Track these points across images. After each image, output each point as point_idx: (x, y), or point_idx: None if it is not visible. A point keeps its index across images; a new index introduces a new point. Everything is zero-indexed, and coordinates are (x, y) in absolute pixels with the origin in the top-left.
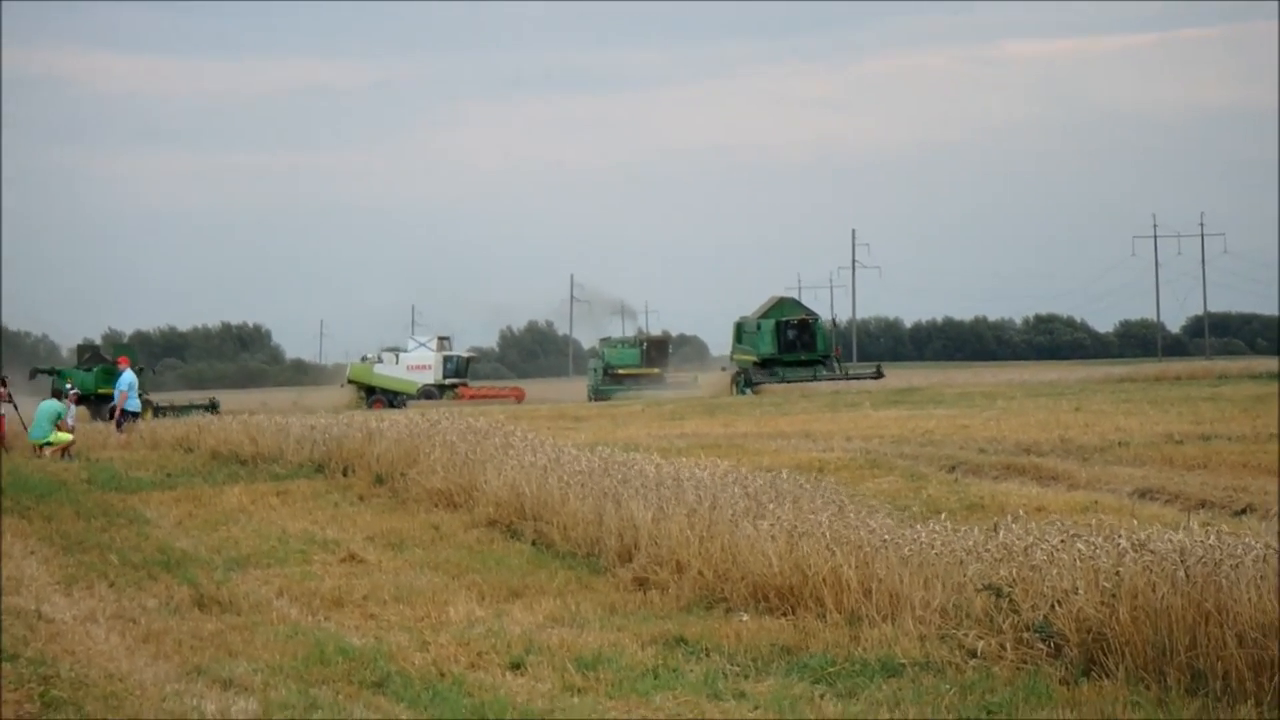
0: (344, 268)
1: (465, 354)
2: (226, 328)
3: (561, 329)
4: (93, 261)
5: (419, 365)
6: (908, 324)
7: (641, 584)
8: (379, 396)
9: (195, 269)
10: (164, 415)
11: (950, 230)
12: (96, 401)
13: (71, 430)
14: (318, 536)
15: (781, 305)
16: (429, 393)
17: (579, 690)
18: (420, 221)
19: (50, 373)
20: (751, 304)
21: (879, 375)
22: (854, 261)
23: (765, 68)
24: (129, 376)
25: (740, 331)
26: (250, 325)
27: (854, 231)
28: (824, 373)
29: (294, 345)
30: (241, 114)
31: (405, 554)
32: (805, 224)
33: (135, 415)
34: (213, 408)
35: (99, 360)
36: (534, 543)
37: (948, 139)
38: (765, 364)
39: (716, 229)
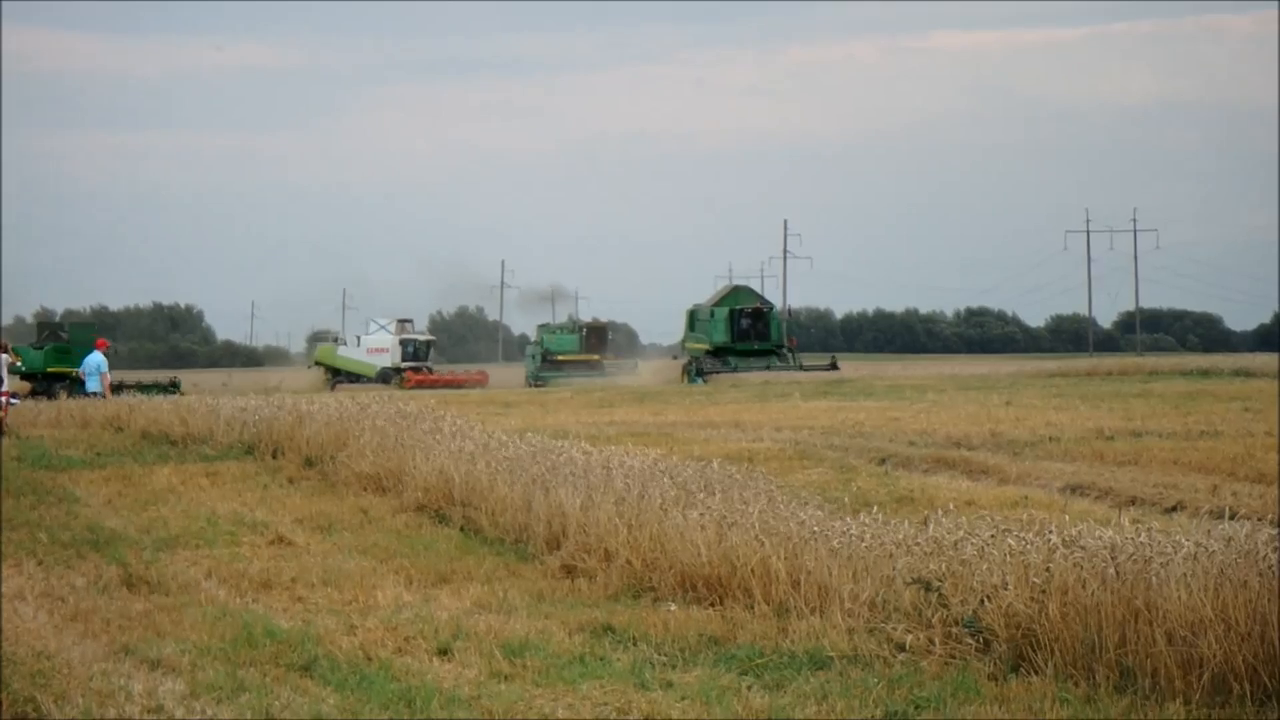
0: (274, 249)
1: (424, 337)
2: (158, 308)
3: (491, 314)
4: (21, 240)
5: (378, 348)
6: (838, 315)
7: (569, 572)
8: (342, 378)
9: (122, 249)
10: (125, 393)
11: (881, 222)
12: (45, 379)
13: (4, 408)
14: (247, 518)
15: (736, 294)
16: (385, 375)
17: (506, 677)
18: (350, 205)
19: None
20: (681, 293)
21: (834, 367)
22: (785, 251)
23: (693, 54)
24: (96, 358)
25: (693, 319)
26: (182, 306)
27: (786, 222)
28: (777, 363)
29: (224, 327)
30: (171, 94)
31: (334, 537)
32: (736, 213)
33: (95, 395)
34: (174, 388)
35: (56, 339)
36: (462, 529)
37: (878, 129)
38: (718, 353)
39: (646, 217)
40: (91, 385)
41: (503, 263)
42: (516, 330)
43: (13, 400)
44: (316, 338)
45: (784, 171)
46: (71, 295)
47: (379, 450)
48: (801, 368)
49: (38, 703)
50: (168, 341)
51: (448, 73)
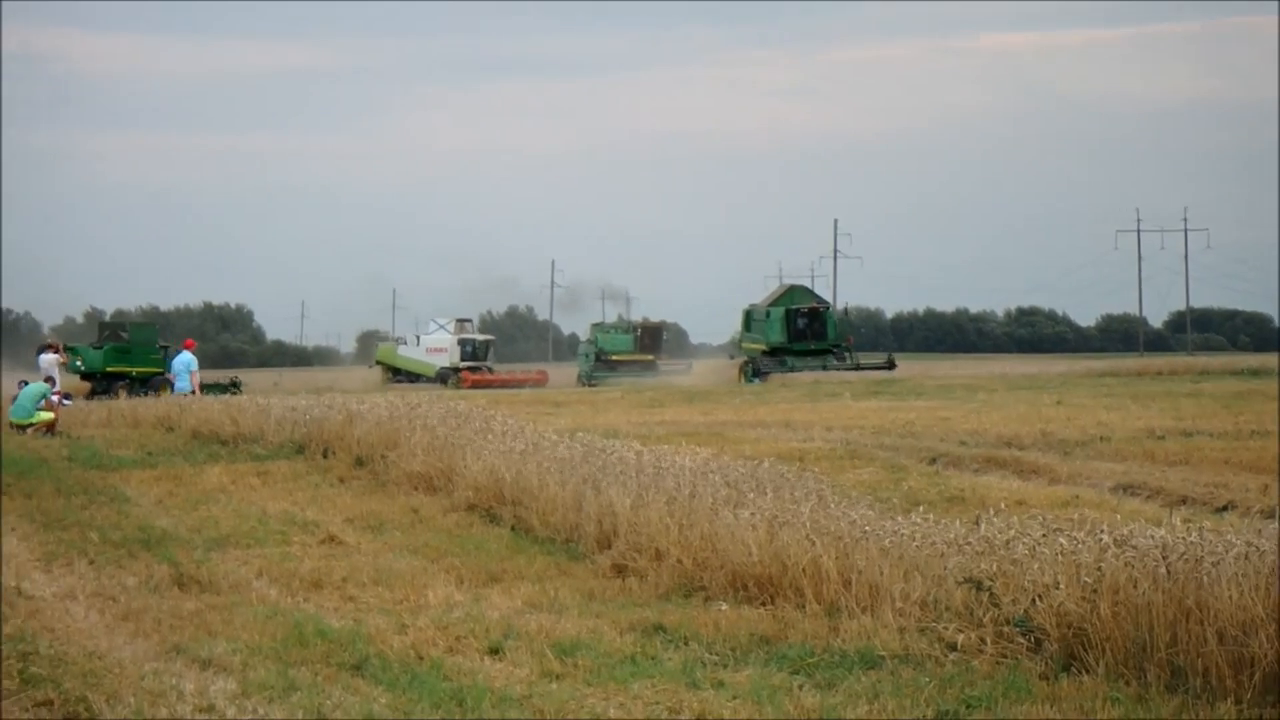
0: (320, 250)
1: (482, 337)
2: (208, 307)
3: (541, 314)
4: (70, 241)
5: (437, 348)
6: (889, 315)
7: (620, 571)
8: (402, 378)
9: (170, 249)
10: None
11: (931, 221)
12: (105, 379)
13: (55, 408)
14: (297, 517)
15: (792, 293)
16: (444, 375)
17: (557, 676)
18: (395, 205)
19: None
20: (729, 292)
21: (891, 366)
22: (835, 251)
23: (729, 54)
24: (186, 358)
25: (749, 319)
26: (232, 306)
27: (836, 221)
28: (834, 363)
29: (273, 327)
30: (208, 95)
31: (384, 537)
32: (784, 212)
33: (188, 393)
34: (235, 387)
35: (117, 339)
36: (513, 528)
37: (923, 129)
38: (774, 353)
39: (692, 216)
40: (182, 385)
41: (552, 262)
42: (566, 330)
43: (65, 401)
44: (367, 338)
45: (832, 171)
46: (122, 296)
47: (429, 450)
48: (858, 367)
49: (89, 702)
50: (218, 341)
51: (488, 73)
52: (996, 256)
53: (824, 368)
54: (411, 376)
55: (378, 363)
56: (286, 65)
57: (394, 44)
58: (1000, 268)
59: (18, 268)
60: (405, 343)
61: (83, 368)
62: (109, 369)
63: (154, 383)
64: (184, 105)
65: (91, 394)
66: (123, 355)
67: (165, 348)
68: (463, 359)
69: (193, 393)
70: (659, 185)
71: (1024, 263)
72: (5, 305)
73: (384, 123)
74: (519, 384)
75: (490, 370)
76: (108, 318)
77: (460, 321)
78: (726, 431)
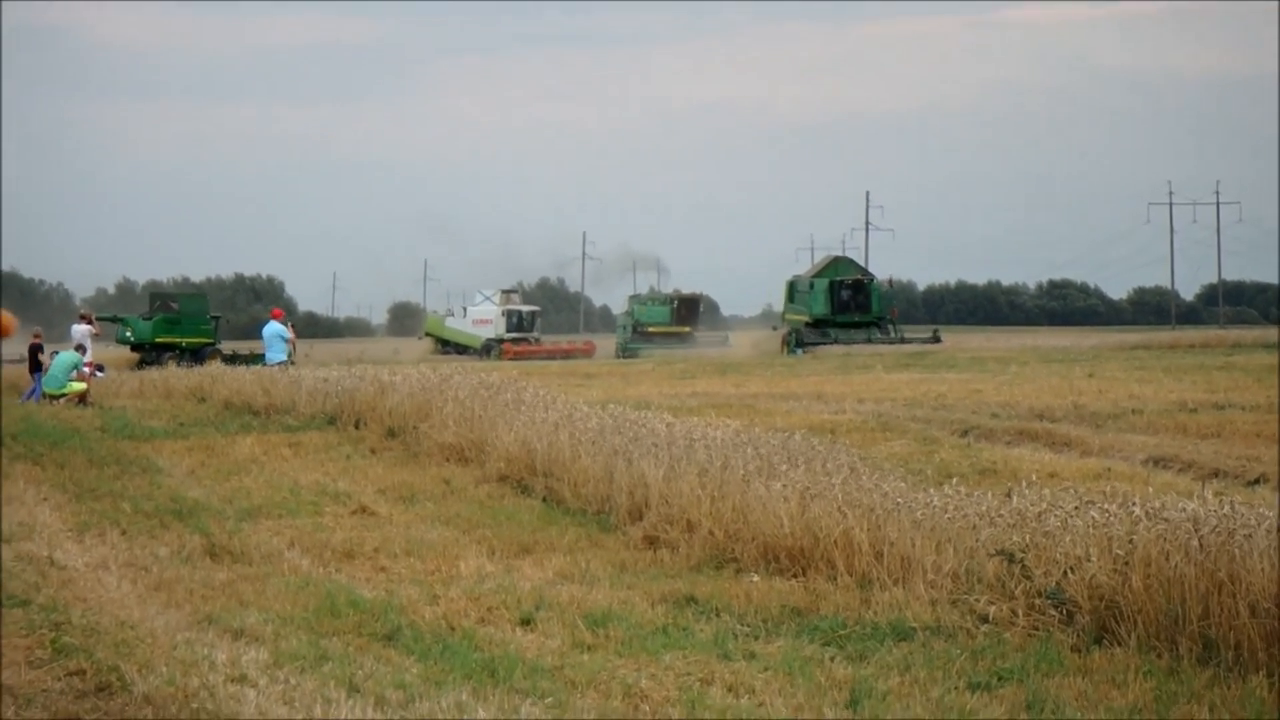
0: (351, 222)
1: (528, 308)
2: (240, 279)
3: (573, 286)
4: (101, 212)
5: (482, 320)
6: (920, 287)
7: (652, 542)
8: (450, 349)
9: (202, 221)
10: (241, 365)
11: (963, 194)
12: (154, 350)
13: (89, 378)
14: (329, 488)
15: (836, 265)
16: (489, 347)
17: (589, 647)
18: (425, 177)
19: (112, 320)
20: (761, 265)
21: (936, 340)
22: (867, 224)
23: (762, 28)
24: (276, 327)
25: (792, 291)
26: (264, 277)
27: (868, 194)
28: (878, 335)
29: (305, 299)
30: (241, 68)
31: (416, 508)
32: (815, 185)
33: (281, 364)
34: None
35: (167, 309)
36: (544, 499)
37: (956, 102)
38: (818, 324)
39: (723, 189)
40: (275, 355)
41: (583, 234)
42: (598, 302)
43: (97, 373)
44: (399, 310)
45: (865, 143)
46: (153, 267)
47: (461, 421)
48: (903, 340)
49: (121, 671)
50: (250, 313)
51: (519, 45)
52: (1028, 229)
53: (868, 340)
54: (459, 348)
55: (426, 334)
56: (317, 39)
57: (425, 16)
58: (1032, 241)
59: (48, 239)
60: (453, 314)
61: (132, 339)
62: (158, 340)
63: (204, 354)
64: (214, 78)
65: (140, 365)
66: (173, 326)
67: (216, 318)
68: (508, 330)
69: (289, 363)
70: (690, 158)
71: (1056, 236)
72: (37, 277)
73: (416, 95)
74: (565, 354)
75: (537, 341)
76: (139, 290)
77: (506, 293)
78: (758, 404)
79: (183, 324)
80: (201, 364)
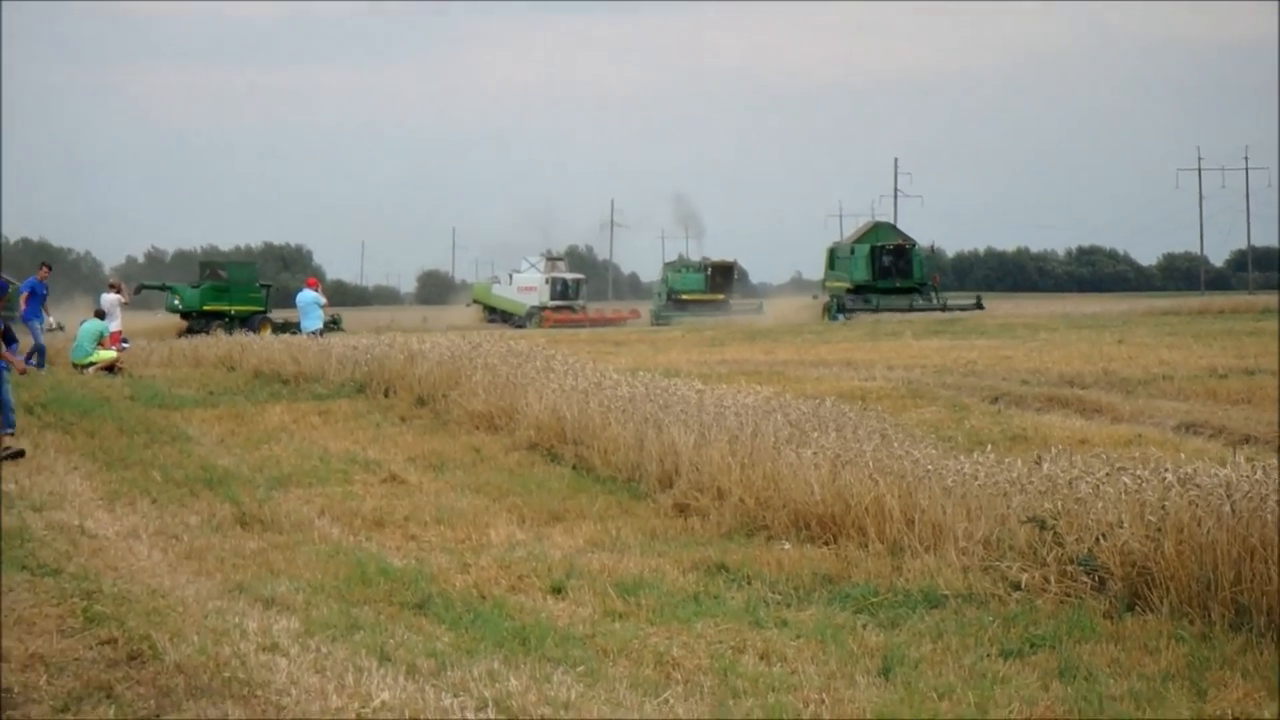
0: (379, 190)
1: (572, 276)
2: (269, 247)
3: (601, 254)
4: (129, 180)
5: (527, 287)
6: (949, 254)
7: (682, 510)
8: (496, 317)
9: (229, 189)
10: (285, 333)
11: (992, 160)
12: (201, 318)
13: (118, 348)
14: (359, 456)
15: (877, 230)
16: (532, 314)
17: (620, 615)
18: (453, 142)
19: (160, 288)
20: (789, 231)
21: (979, 306)
22: (896, 190)
23: None
24: (310, 295)
25: (833, 257)
26: (292, 245)
27: (896, 160)
28: (920, 302)
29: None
30: (272, 33)
31: (446, 475)
32: (844, 151)
33: (315, 333)
34: (335, 324)
35: (216, 278)
36: (574, 467)
37: (986, 67)
38: (859, 290)
39: (751, 155)
40: (310, 323)
41: (611, 201)
42: (625, 270)
43: (123, 344)
44: (428, 278)
45: (893, 109)
46: (182, 235)
47: (491, 389)
48: (945, 307)
49: (153, 640)
50: (278, 281)
51: (546, 8)
52: (1057, 195)
53: (910, 307)
54: (505, 315)
55: (475, 301)
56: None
57: None
58: (1062, 207)
59: (77, 207)
60: (499, 281)
61: (180, 307)
62: (206, 308)
63: (253, 322)
64: (245, 43)
65: (189, 332)
66: (221, 294)
67: (266, 287)
68: (552, 297)
69: (321, 332)
70: (719, 123)
71: (1085, 202)
72: (66, 245)
73: (444, 60)
74: (610, 322)
75: (582, 309)
76: (168, 259)
77: (551, 260)
78: (787, 370)
79: (231, 292)
80: (256, 332)
